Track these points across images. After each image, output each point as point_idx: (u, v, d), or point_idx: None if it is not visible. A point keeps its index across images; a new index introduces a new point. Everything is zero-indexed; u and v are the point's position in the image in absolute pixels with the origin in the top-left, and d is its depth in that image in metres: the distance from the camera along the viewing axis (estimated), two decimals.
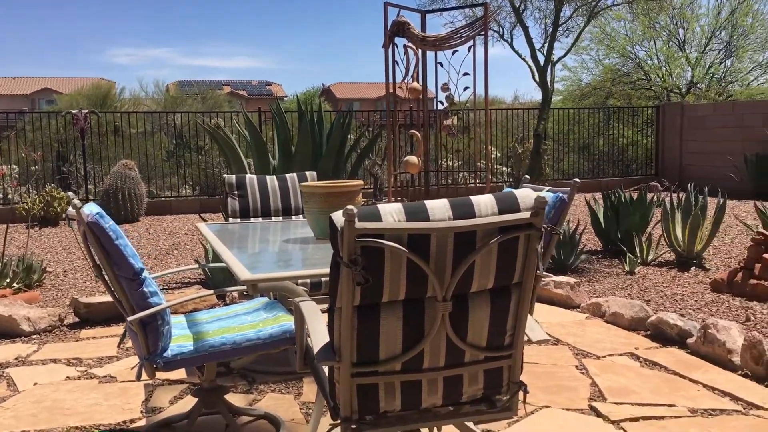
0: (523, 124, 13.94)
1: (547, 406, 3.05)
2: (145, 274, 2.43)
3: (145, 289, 2.40)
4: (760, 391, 3.18)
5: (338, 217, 1.75)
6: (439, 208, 1.80)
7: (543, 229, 1.88)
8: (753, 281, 4.80)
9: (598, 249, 6.79)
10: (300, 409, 3.11)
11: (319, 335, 1.94)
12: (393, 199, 6.06)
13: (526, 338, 2.03)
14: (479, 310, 1.91)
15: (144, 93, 25.94)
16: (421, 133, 5.68)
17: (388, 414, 2.01)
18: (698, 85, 17.18)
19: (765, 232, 5.10)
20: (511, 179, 11.74)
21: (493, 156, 13.87)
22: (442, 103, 5.98)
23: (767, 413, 2.94)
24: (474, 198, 1.86)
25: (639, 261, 6.04)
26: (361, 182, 2.99)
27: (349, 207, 1.71)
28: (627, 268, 5.79)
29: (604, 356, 3.72)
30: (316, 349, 1.91)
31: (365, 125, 12.62)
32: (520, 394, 2.06)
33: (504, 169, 13.45)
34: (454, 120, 6.28)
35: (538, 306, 4.84)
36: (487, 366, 1.99)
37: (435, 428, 2.13)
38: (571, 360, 3.69)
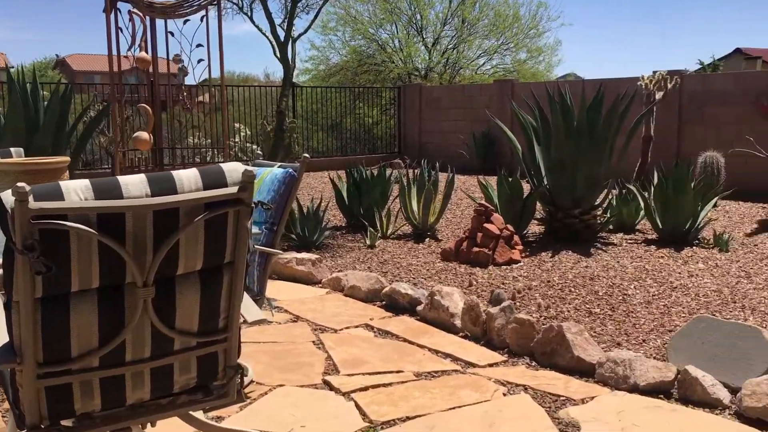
0: (275, 102, 13.87)
1: (281, 385, 3.02)
2: None
3: None
4: (477, 350, 3.45)
5: (7, 196, 1.50)
6: (134, 184, 1.63)
7: (254, 205, 1.79)
8: (476, 249, 5.22)
9: (343, 225, 6.96)
10: (3, 417, 2.73)
11: None
12: None
13: (241, 319, 1.94)
14: (188, 293, 1.77)
15: None
16: (152, 107, 5.32)
17: (93, 415, 1.80)
18: (434, 69, 18.46)
19: (486, 204, 5.58)
20: (254, 156, 11.65)
21: (243, 134, 13.64)
22: (175, 76, 5.65)
23: (482, 370, 3.19)
24: (176, 173, 1.71)
25: (379, 235, 6.29)
26: (66, 159, 2.67)
27: (21, 184, 1.47)
28: (368, 242, 6.00)
29: (341, 329, 3.79)
30: None
31: (103, 100, 11.65)
32: (246, 379, 1.98)
33: (254, 147, 13.29)
34: (205, 96, 5.98)
35: (280, 283, 4.81)
36: (200, 352, 1.86)
37: (149, 423, 1.96)
38: (310, 336, 3.70)
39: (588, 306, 4.06)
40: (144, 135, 5.15)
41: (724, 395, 2.74)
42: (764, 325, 3.63)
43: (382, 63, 18.70)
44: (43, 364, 1.63)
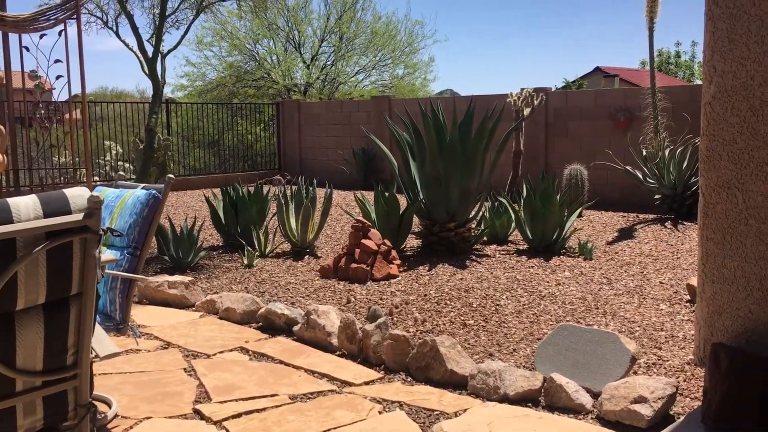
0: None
1: (148, 417, 2.87)
2: None
3: None
4: (353, 368, 3.43)
5: None
6: None
7: (101, 232, 1.69)
8: (354, 265, 5.22)
9: (219, 245, 6.77)
10: None
11: None
12: None
13: (93, 354, 1.82)
14: (30, 329, 1.64)
15: None
16: (5, 126, 4.96)
17: None
18: (313, 85, 18.47)
19: (363, 220, 5.60)
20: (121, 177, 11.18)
21: (113, 152, 13.06)
22: (30, 92, 5.31)
23: (358, 389, 3.17)
24: (12, 200, 1.59)
25: (258, 254, 6.17)
26: None
27: None
28: (246, 261, 5.87)
29: (214, 354, 3.67)
30: None
31: None
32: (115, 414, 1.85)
33: (127, 165, 12.74)
34: (76, 114, 5.63)
35: (151, 308, 4.61)
36: (46, 392, 1.74)
37: None
38: (181, 363, 3.55)
39: (463, 318, 4.15)
40: None
41: (587, 400, 2.86)
42: (623, 330, 3.85)
43: (261, 79, 18.50)
44: None
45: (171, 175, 3.00)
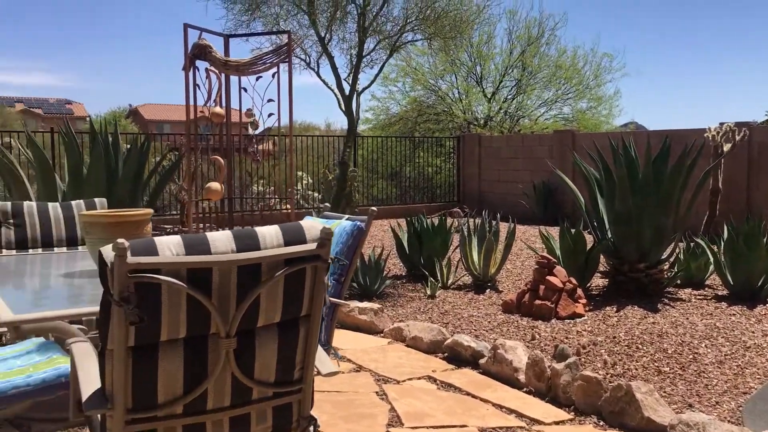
0: (336, 151, 14.16)
1: None
2: None
3: None
4: (542, 407, 3.41)
5: (108, 251, 1.61)
6: (221, 240, 1.72)
7: (330, 261, 1.86)
8: (538, 302, 5.18)
9: (403, 274, 6.99)
10: None
11: (88, 381, 1.77)
12: (196, 226, 5.83)
13: (315, 371, 1.99)
14: (266, 345, 1.84)
15: None
16: (224, 158, 5.53)
17: None
18: (493, 119, 18.55)
19: (548, 256, 5.54)
20: (321, 206, 11.84)
21: (304, 182, 13.92)
22: (246, 128, 5.88)
23: (547, 428, 3.15)
24: (259, 229, 1.80)
25: (440, 285, 6.30)
26: (149, 211, 2.82)
27: (120, 240, 1.58)
28: (429, 292, 6.02)
29: (404, 380, 3.81)
30: (84, 396, 1.73)
31: (172, 148, 12.12)
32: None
33: (315, 195, 13.55)
34: (269, 145, 6.19)
35: (342, 332, 4.86)
36: (276, 402, 1.93)
37: None
38: (372, 386, 3.72)
39: (657, 364, 3.96)
40: (216, 185, 5.36)
41: None
42: None
43: (442, 113, 18.90)
44: (132, 410, 1.72)
45: (374, 208, 3.19)
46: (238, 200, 6.30)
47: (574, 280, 5.39)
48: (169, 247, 1.65)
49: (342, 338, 4.69)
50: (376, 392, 3.62)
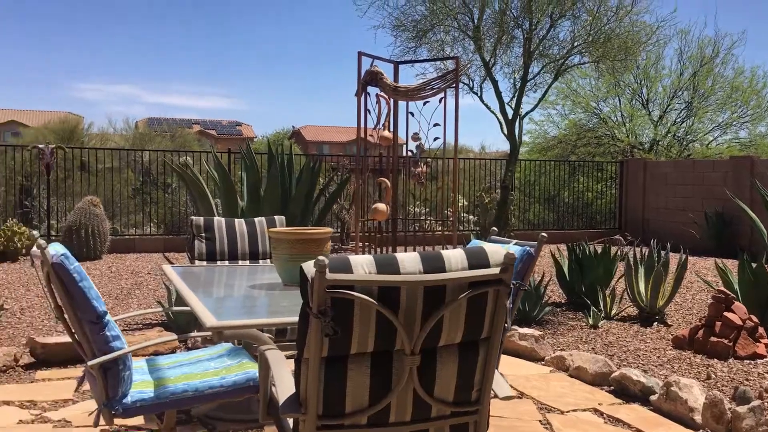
0: (491, 174, 14.14)
1: None
2: (108, 317, 2.38)
3: (107, 333, 2.35)
4: None
5: (309, 267, 1.74)
6: (409, 261, 1.81)
7: (512, 285, 1.90)
8: (713, 339, 4.87)
9: (563, 301, 6.83)
10: None
11: (284, 386, 1.91)
12: (360, 245, 6.07)
13: (492, 394, 2.02)
14: (447, 364, 1.90)
15: (112, 129, 25.67)
16: (389, 180, 5.72)
17: None
18: (660, 143, 17.66)
19: (726, 291, 5.20)
20: (478, 228, 11.83)
21: (460, 204, 14.00)
22: (412, 151, 6.05)
23: None
24: (445, 252, 1.87)
25: (602, 315, 6.09)
26: (329, 230, 2.99)
27: (321, 258, 1.70)
28: (591, 321, 5.84)
29: (568, 411, 3.72)
30: (281, 400, 1.88)
31: (334, 169, 12.67)
32: None
33: (470, 217, 13.57)
34: (424, 167, 6.33)
35: (503, 358, 4.84)
36: (453, 421, 1.98)
37: None
38: (535, 414, 3.68)
39: None
40: (382, 206, 5.56)
41: None
42: None
43: (603, 136, 18.29)
44: (322, 416, 1.84)
45: (544, 234, 3.17)
46: (400, 221, 6.46)
47: (755, 318, 5.01)
48: (363, 265, 1.76)
49: (501, 363, 4.66)
50: (540, 421, 3.57)
